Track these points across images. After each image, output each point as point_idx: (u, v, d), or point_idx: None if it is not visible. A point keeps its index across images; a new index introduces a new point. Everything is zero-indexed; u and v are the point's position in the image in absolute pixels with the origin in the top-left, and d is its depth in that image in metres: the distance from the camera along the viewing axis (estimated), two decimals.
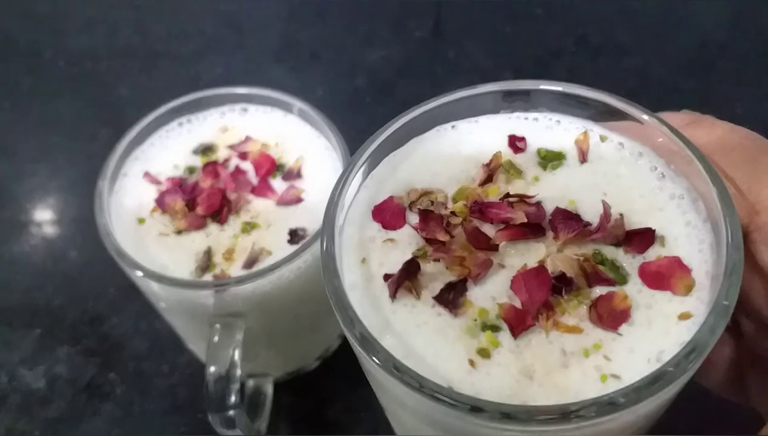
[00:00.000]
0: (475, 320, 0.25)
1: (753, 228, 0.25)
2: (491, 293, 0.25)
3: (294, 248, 0.38)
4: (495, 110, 0.31)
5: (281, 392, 0.48)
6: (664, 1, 0.78)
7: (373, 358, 0.22)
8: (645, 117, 0.27)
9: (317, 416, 0.49)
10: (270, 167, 0.43)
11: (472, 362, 0.23)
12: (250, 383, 0.47)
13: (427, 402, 0.21)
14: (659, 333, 0.24)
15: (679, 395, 0.25)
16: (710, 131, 0.27)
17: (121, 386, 0.51)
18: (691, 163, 0.26)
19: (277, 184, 0.43)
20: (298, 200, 0.41)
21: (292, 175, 0.43)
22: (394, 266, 0.26)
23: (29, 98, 0.75)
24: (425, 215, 0.27)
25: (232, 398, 0.37)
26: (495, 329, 0.24)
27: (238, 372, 0.38)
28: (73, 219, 0.63)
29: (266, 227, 0.41)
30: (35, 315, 0.56)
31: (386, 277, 0.26)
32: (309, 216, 0.41)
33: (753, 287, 0.26)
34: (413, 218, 0.28)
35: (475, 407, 0.20)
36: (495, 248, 0.26)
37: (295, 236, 0.40)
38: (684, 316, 0.24)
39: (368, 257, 0.27)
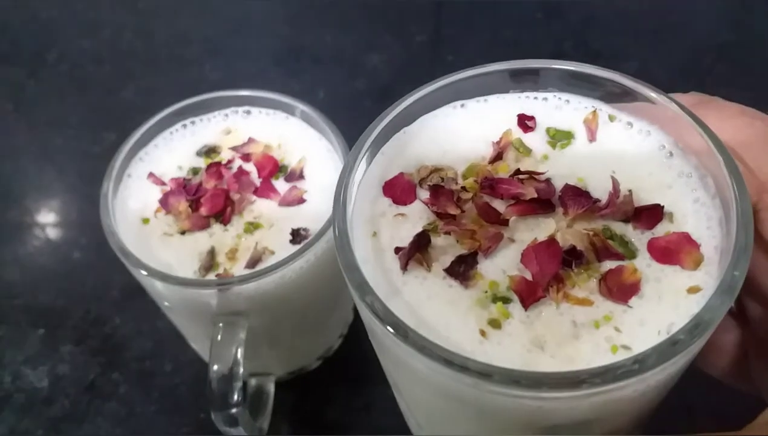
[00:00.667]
0: (486, 292, 0.25)
1: (762, 206, 0.25)
2: (501, 266, 0.25)
3: (296, 247, 0.39)
4: (504, 90, 0.31)
5: (283, 391, 0.49)
6: (662, 5, 0.79)
7: (387, 326, 0.22)
8: (655, 96, 0.28)
9: (318, 416, 0.50)
10: (272, 169, 0.43)
11: (483, 332, 0.23)
12: (252, 382, 0.47)
13: (439, 369, 0.21)
14: (669, 306, 0.24)
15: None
16: (719, 111, 0.27)
17: (123, 385, 0.52)
18: (700, 141, 0.26)
19: (280, 185, 0.43)
20: (301, 201, 0.42)
21: (295, 176, 0.43)
22: (405, 240, 0.26)
23: (33, 101, 0.76)
24: (436, 190, 0.27)
25: (235, 397, 0.38)
26: (506, 300, 0.24)
27: (241, 370, 0.38)
28: (77, 220, 0.64)
29: (269, 227, 0.41)
30: (39, 315, 0.56)
31: (397, 250, 0.26)
32: (311, 216, 0.41)
33: (760, 266, 0.26)
34: (423, 195, 0.28)
35: (486, 373, 0.20)
36: (505, 222, 0.26)
37: (297, 235, 0.40)
38: (693, 290, 0.24)
39: (379, 231, 0.27)
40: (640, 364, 0.20)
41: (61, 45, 0.82)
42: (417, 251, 0.26)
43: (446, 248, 0.26)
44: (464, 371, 0.21)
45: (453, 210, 0.27)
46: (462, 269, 0.25)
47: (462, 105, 0.31)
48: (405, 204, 0.28)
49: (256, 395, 0.47)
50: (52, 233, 0.63)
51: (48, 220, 0.64)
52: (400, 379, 0.29)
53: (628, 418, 0.26)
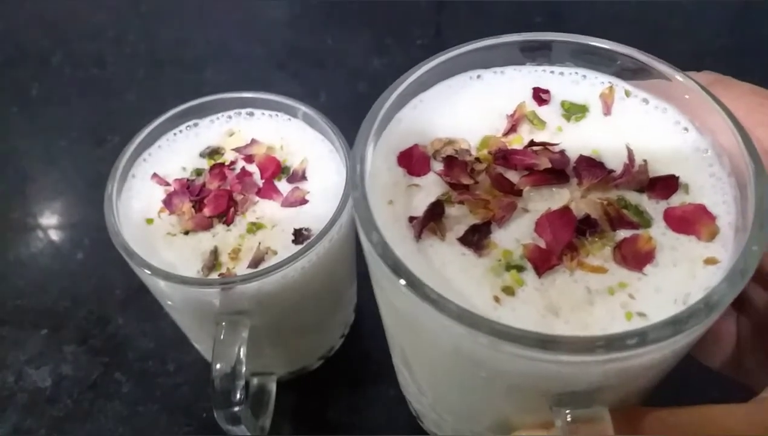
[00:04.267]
0: (500, 260, 0.25)
1: None
2: (515, 235, 0.26)
3: (299, 247, 0.39)
4: (521, 62, 0.31)
5: (284, 391, 0.49)
6: (662, 10, 0.79)
7: (404, 282, 0.22)
8: (671, 73, 0.28)
9: (319, 416, 0.50)
10: (275, 170, 0.44)
11: (497, 299, 0.24)
12: (254, 381, 0.48)
13: (456, 328, 0.21)
14: (685, 275, 0.24)
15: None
16: (731, 90, 0.27)
17: (126, 385, 0.52)
18: (716, 119, 0.26)
19: (282, 186, 0.43)
20: (303, 202, 0.42)
21: (297, 177, 0.44)
22: (419, 210, 0.26)
23: (37, 104, 0.76)
24: (450, 161, 0.28)
25: (238, 395, 0.38)
26: (519, 268, 0.24)
27: (244, 369, 0.38)
28: (80, 222, 0.64)
29: (271, 227, 0.41)
30: (42, 315, 0.57)
31: (411, 219, 0.26)
32: (313, 217, 0.42)
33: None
34: (438, 167, 0.28)
35: (503, 332, 0.20)
36: (519, 192, 0.27)
37: (299, 236, 0.41)
38: (711, 260, 0.24)
39: (395, 200, 0.27)
40: (656, 332, 0.20)
41: (65, 48, 0.82)
42: (431, 220, 0.26)
43: (460, 217, 0.26)
44: (481, 329, 0.20)
45: (466, 180, 0.27)
46: (476, 238, 0.25)
47: (478, 76, 0.31)
48: (419, 175, 0.28)
49: (257, 395, 0.47)
50: (56, 234, 0.63)
51: (51, 221, 0.65)
52: (408, 341, 0.29)
53: (639, 386, 0.26)
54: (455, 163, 0.27)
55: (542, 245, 0.25)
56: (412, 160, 0.28)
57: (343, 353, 0.52)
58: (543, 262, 0.24)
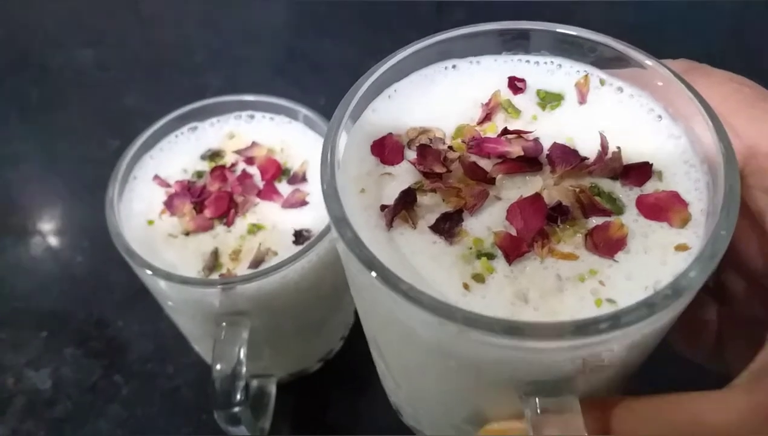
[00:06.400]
0: (471, 248, 0.25)
1: (748, 172, 0.25)
2: (487, 223, 0.25)
3: (299, 248, 0.39)
4: (497, 51, 0.31)
5: (284, 392, 0.49)
6: (662, 13, 0.80)
7: (372, 272, 0.22)
8: (646, 61, 0.28)
9: (319, 417, 0.50)
10: (276, 171, 0.44)
11: (466, 286, 0.23)
12: (254, 383, 0.48)
13: (423, 317, 0.21)
14: (656, 262, 0.24)
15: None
16: (708, 77, 0.27)
17: (126, 387, 0.52)
18: (690, 106, 0.26)
19: (283, 187, 0.44)
20: (303, 203, 0.43)
21: (297, 178, 0.44)
22: (391, 198, 0.26)
23: (38, 108, 0.77)
24: (423, 150, 0.27)
25: (238, 396, 0.38)
26: (490, 256, 0.24)
27: (244, 370, 0.38)
28: (80, 225, 0.64)
29: (272, 228, 0.42)
30: (42, 318, 0.57)
31: (383, 207, 0.26)
32: (313, 218, 0.42)
33: (745, 235, 0.26)
34: (411, 156, 0.28)
35: (470, 319, 0.20)
36: (491, 180, 0.26)
37: (300, 237, 0.41)
38: (681, 247, 0.24)
39: (367, 188, 0.27)
40: (625, 316, 0.20)
41: (66, 52, 0.83)
42: (402, 208, 0.25)
43: (432, 206, 0.26)
44: (447, 316, 0.20)
45: (439, 169, 0.27)
46: (447, 226, 0.25)
47: (454, 66, 0.31)
48: (392, 164, 0.28)
49: (257, 397, 0.47)
50: (55, 237, 0.64)
51: (51, 225, 0.65)
52: (381, 332, 0.29)
53: (610, 376, 0.26)
54: (428, 152, 0.27)
55: (513, 232, 0.25)
56: (386, 149, 0.28)
57: (343, 355, 0.52)
58: (513, 249, 0.24)
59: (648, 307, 0.20)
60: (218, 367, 0.38)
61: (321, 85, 0.75)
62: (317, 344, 0.50)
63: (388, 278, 0.22)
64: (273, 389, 0.47)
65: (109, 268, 0.57)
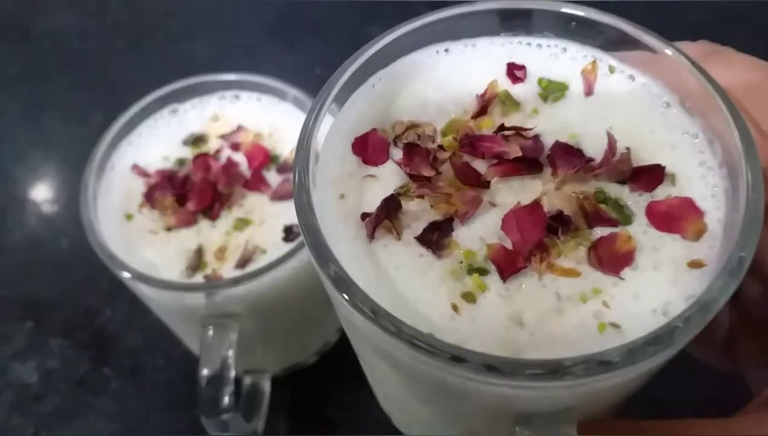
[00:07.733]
0: (461, 263, 0.22)
1: None
2: (480, 233, 0.23)
3: (289, 246, 0.36)
4: (495, 33, 0.28)
5: (279, 387, 0.47)
6: (657, 19, 0.75)
7: (347, 299, 0.20)
8: (661, 46, 0.25)
9: (316, 413, 0.48)
10: (263, 159, 0.41)
11: (455, 307, 0.21)
12: (247, 380, 0.46)
13: (406, 350, 0.19)
14: (666, 280, 0.21)
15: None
16: (731, 65, 0.24)
17: (115, 381, 0.50)
18: (709, 100, 0.23)
19: (272, 177, 0.41)
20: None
21: (287, 167, 0.41)
22: (374, 205, 0.23)
23: (17, 80, 0.73)
24: (410, 149, 0.25)
25: (225, 401, 0.36)
26: (483, 272, 0.22)
27: (232, 374, 0.36)
28: (65, 206, 0.61)
29: (260, 223, 0.39)
30: (27, 307, 0.54)
31: (363, 216, 0.23)
32: None
33: (764, 242, 0.23)
34: (397, 154, 0.25)
35: (457, 357, 0.18)
36: (486, 184, 0.24)
37: (290, 233, 0.38)
38: (695, 264, 0.22)
39: (346, 194, 0.24)
40: (630, 354, 0.18)
41: (46, 20, 0.78)
42: (385, 217, 0.23)
43: (419, 213, 0.23)
44: (433, 354, 0.18)
45: (427, 171, 0.24)
46: (435, 237, 0.23)
47: (446, 49, 0.28)
48: (376, 165, 0.25)
49: (251, 394, 0.45)
50: (39, 220, 0.61)
51: (34, 206, 0.62)
52: (364, 352, 0.27)
53: (611, 403, 0.25)
54: (416, 152, 0.24)
55: (508, 244, 0.22)
56: (369, 148, 0.25)
57: (340, 347, 0.50)
58: (508, 264, 0.22)
59: (656, 344, 0.18)
60: (204, 372, 0.36)
61: (317, 52, 0.71)
62: (313, 338, 0.48)
63: (361, 304, 0.19)
64: (267, 387, 0.45)
65: (96, 254, 0.54)
